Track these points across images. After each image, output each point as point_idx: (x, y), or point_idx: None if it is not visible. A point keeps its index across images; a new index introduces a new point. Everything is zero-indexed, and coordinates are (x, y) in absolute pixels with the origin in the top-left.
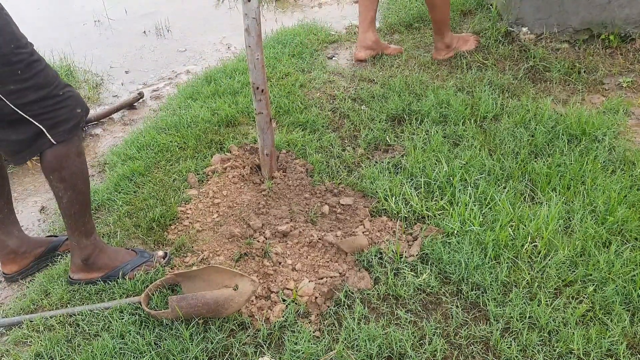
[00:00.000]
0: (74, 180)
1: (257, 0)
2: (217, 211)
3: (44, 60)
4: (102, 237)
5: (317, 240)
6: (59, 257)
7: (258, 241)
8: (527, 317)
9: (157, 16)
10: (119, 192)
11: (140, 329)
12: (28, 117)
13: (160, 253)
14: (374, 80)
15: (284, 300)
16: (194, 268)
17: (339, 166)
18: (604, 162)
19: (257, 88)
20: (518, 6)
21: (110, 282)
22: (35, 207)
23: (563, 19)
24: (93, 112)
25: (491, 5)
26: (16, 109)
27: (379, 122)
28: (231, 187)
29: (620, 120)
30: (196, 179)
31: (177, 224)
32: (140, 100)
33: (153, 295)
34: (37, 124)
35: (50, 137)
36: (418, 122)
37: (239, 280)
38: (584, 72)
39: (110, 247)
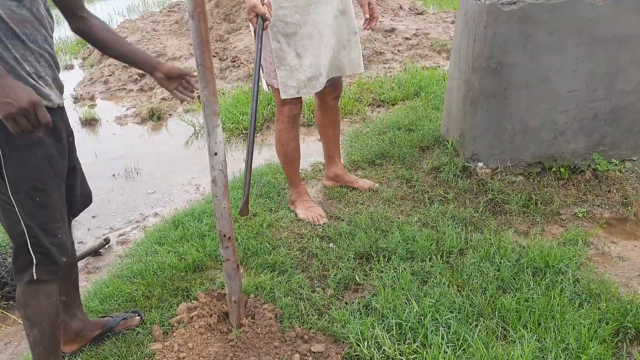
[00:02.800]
0: (39, 322)
1: (223, 154)
2: None
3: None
4: None
5: None
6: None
7: None
8: None
9: (127, 159)
10: (79, 350)
11: None
12: (29, 243)
13: None
14: (340, 217)
15: None
16: None
17: (309, 309)
18: (570, 295)
19: (224, 236)
20: (472, 143)
21: None
22: None
23: (515, 154)
24: None
25: (447, 141)
26: (25, 233)
27: (347, 260)
28: (197, 339)
29: (581, 251)
30: (161, 331)
31: None
32: (107, 246)
33: None
34: (32, 253)
35: (34, 271)
36: (386, 259)
37: None
38: (541, 203)
39: None
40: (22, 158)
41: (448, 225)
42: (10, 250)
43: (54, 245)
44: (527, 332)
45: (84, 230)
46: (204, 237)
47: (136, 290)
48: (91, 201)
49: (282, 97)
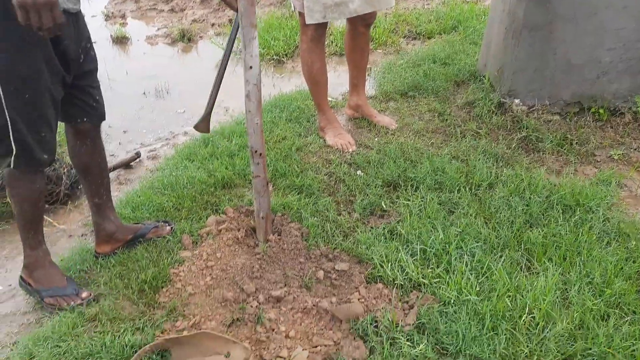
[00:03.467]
0: (20, 201)
1: (258, 67)
2: (210, 274)
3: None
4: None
5: (312, 306)
6: (143, 243)
7: (251, 306)
8: None
9: (157, 79)
10: (112, 253)
11: None
12: (10, 131)
13: (84, 295)
14: (369, 146)
15: None
16: (185, 333)
17: (334, 230)
18: (598, 233)
19: (256, 152)
20: (510, 78)
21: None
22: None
23: (554, 92)
24: None
25: (484, 77)
26: (8, 122)
27: (375, 187)
28: (225, 250)
29: (613, 192)
30: (190, 240)
31: (169, 286)
32: (137, 160)
33: None
34: (12, 142)
35: (11, 161)
36: (413, 188)
37: (231, 347)
38: (576, 143)
39: (50, 266)
40: (18, 53)
41: (479, 160)
42: None
43: (35, 142)
44: (552, 265)
45: (115, 144)
46: (233, 157)
47: (167, 201)
48: (104, 118)
49: (307, 22)
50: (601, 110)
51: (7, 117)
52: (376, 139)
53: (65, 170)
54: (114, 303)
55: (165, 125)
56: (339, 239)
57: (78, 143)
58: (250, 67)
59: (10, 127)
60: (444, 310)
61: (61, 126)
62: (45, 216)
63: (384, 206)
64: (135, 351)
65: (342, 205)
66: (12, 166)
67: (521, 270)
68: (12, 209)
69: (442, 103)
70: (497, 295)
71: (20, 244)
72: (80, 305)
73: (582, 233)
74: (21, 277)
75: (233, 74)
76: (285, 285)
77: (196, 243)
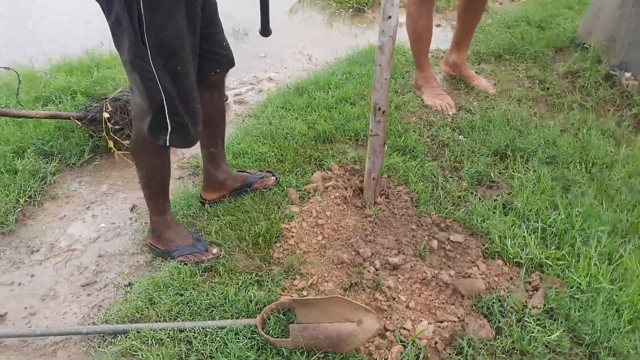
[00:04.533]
0: (148, 172)
1: (397, 17)
2: (321, 233)
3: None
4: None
5: (431, 277)
6: (249, 192)
7: (368, 271)
8: None
9: (234, 20)
10: (219, 199)
11: (258, 356)
12: (166, 110)
13: (215, 250)
14: (470, 110)
15: (401, 341)
16: (305, 293)
17: (444, 198)
18: None
19: (379, 109)
20: (624, 50)
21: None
22: (126, 205)
23: None
24: None
25: (587, 45)
26: (163, 99)
27: (481, 155)
28: (334, 209)
29: None
30: (297, 195)
31: (282, 242)
32: (225, 102)
33: (268, 318)
34: (168, 120)
35: (167, 138)
36: (523, 160)
37: (363, 315)
38: None
39: (176, 226)
40: (164, 22)
41: (591, 135)
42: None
43: (189, 115)
44: None
45: None
46: (331, 110)
47: (268, 151)
48: (234, 62)
49: None
50: None
51: (162, 93)
52: (476, 103)
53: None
54: (229, 255)
55: (248, 69)
56: (450, 208)
57: (205, 95)
58: (389, 17)
59: (165, 103)
60: (575, 296)
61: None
62: (125, 157)
63: (493, 176)
64: (260, 308)
65: (447, 172)
66: (167, 144)
67: None
68: (138, 178)
69: (542, 70)
70: (635, 286)
71: (119, 180)
72: (211, 260)
73: None
74: (150, 243)
75: (309, 20)
76: (399, 252)
77: (303, 198)
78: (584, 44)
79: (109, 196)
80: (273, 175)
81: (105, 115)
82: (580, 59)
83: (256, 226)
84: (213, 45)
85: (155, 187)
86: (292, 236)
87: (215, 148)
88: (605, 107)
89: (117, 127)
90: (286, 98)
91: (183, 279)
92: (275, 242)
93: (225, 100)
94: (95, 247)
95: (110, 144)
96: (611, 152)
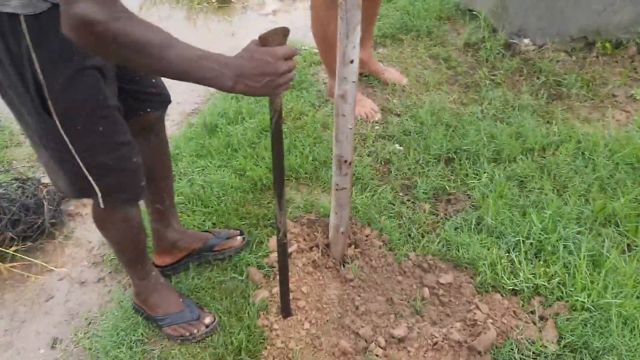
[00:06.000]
0: (117, 241)
1: (358, 61)
2: (306, 319)
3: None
4: None
5: (442, 340)
6: (212, 257)
7: (377, 355)
8: None
9: None
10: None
11: None
12: (90, 178)
13: (208, 320)
14: (395, 111)
15: None
16: None
17: (415, 231)
18: None
19: (345, 161)
20: (521, 15)
21: None
22: (42, 340)
23: (563, 28)
24: None
25: (474, 12)
26: (83, 169)
27: (427, 166)
28: (308, 281)
29: None
30: (261, 274)
31: (269, 346)
32: None
33: None
34: (95, 186)
35: (100, 201)
36: (470, 162)
37: None
38: (594, 85)
39: (163, 290)
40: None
41: (517, 117)
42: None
43: (126, 173)
44: None
45: None
46: (255, 146)
47: (205, 221)
48: (170, 100)
49: None
50: (607, 44)
51: (80, 162)
52: (396, 101)
53: (44, 192)
54: None
55: None
56: (424, 241)
57: (140, 140)
58: (352, 62)
59: (86, 171)
60: (585, 319)
61: None
62: (31, 258)
63: (447, 188)
64: None
65: (401, 194)
66: (102, 206)
67: (625, 251)
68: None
69: (440, 46)
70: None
71: (19, 305)
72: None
73: None
74: (135, 303)
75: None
76: (395, 315)
77: (268, 277)
78: (470, 10)
79: (13, 334)
80: (241, 234)
81: None
82: (476, 29)
83: (233, 338)
84: (135, 84)
85: (130, 254)
86: (277, 335)
87: (162, 204)
88: (514, 79)
89: None
90: (197, 141)
91: None
92: (261, 351)
93: None
94: None
95: None
96: (544, 131)
